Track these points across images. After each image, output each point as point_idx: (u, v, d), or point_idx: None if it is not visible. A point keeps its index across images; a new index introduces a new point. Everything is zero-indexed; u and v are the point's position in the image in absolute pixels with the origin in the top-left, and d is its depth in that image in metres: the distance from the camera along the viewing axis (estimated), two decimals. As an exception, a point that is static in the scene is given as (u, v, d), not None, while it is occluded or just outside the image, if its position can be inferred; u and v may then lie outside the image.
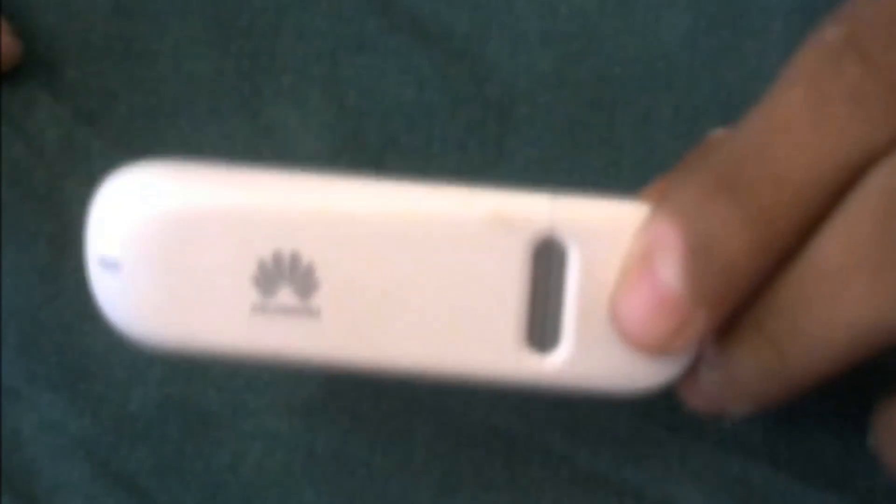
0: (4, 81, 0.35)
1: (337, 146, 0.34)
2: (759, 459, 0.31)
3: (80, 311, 0.33)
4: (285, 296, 0.22)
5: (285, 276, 0.22)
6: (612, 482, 0.31)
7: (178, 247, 0.22)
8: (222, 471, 0.32)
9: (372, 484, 0.32)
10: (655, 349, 0.21)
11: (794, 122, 0.20)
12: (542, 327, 0.22)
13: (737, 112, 0.33)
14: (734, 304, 0.21)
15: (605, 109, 0.33)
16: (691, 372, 0.23)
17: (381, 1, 0.35)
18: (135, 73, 0.35)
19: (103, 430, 0.32)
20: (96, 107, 0.34)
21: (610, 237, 0.22)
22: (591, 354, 0.22)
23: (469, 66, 0.34)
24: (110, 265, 0.23)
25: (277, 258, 0.22)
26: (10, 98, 0.34)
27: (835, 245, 0.20)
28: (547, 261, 0.22)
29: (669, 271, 0.21)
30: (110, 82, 0.35)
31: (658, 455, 0.31)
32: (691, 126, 0.33)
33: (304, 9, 0.35)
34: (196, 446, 0.32)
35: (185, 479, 0.32)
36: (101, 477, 0.32)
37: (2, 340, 0.33)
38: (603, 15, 0.34)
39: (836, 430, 0.30)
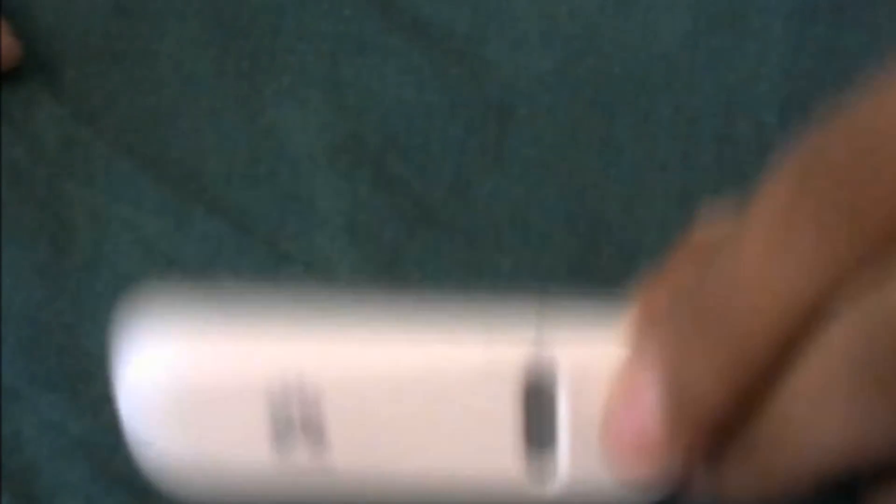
0: (4, 82, 0.34)
1: (337, 146, 0.34)
2: None
3: (81, 312, 0.33)
4: (300, 447, 0.24)
5: (297, 431, 0.24)
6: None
7: (199, 417, 0.24)
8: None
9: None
10: (640, 482, 0.23)
11: (751, 276, 0.21)
12: (539, 457, 0.24)
13: (737, 113, 0.33)
14: (714, 437, 0.22)
15: (604, 110, 0.33)
16: (684, 486, 0.24)
17: (381, 1, 0.35)
18: (135, 73, 0.35)
19: (103, 430, 0.32)
20: (96, 107, 0.34)
21: (594, 380, 0.23)
22: (586, 479, 0.24)
23: (469, 66, 0.34)
24: (138, 421, 0.25)
25: (287, 419, 0.24)
26: (10, 99, 0.34)
27: (808, 378, 0.21)
28: (538, 392, 0.24)
29: (648, 416, 0.22)
30: (110, 83, 0.35)
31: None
32: (691, 126, 0.33)
33: (304, 9, 0.35)
34: (196, 447, 0.32)
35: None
36: (101, 477, 0.32)
37: (2, 341, 0.33)
38: (603, 15, 0.34)
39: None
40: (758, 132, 0.33)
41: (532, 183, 0.33)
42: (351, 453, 0.24)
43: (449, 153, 0.33)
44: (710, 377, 0.22)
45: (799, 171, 0.22)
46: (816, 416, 0.21)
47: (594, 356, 0.24)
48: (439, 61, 0.34)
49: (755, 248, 0.21)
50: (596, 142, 0.33)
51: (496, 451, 0.24)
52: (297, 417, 0.24)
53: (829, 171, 0.21)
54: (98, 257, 0.33)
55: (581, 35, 0.34)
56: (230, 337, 0.24)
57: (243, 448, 0.24)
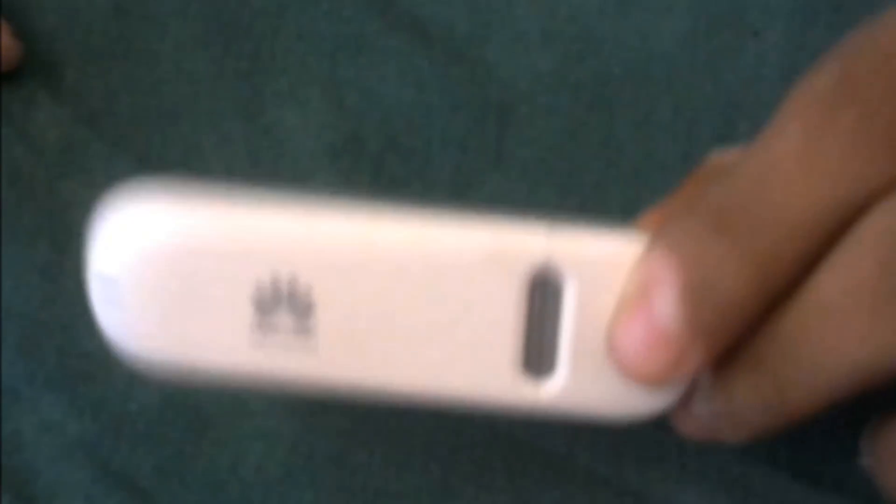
0: (4, 82, 0.35)
1: (337, 147, 0.34)
2: (759, 459, 0.31)
3: (81, 312, 0.33)
4: (283, 320, 0.22)
5: (283, 300, 0.22)
6: (612, 483, 0.31)
7: (178, 270, 0.23)
8: (223, 472, 0.32)
9: (372, 484, 0.32)
10: (651, 382, 0.22)
11: (790, 164, 0.20)
12: (538, 355, 0.23)
13: (737, 113, 0.33)
14: (731, 339, 0.21)
15: (604, 110, 0.33)
16: (685, 400, 0.23)
17: (381, 2, 0.35)
18: (135, 74, 0.35)
19: (104, 430, 0.32)
20: (96, 108, 0.34)
21: (606, 270, 0.22)
22: (586, 382, 0.23)
23: (469, 67, 0.34)
24: (109, 282, 0.23)
25: (275, 280, 0.22)
26: (10, 99, 0.34)
27: (835, 283, 0.20)
28: (543, 291, 0.23)
29: (667, 307, 0.21)
30: (110, 83, 0.35)
31: (658, 456, 0.31)
32: (691, 127, 0.33)
33: (304, 9, 0.35)
34: (196, 447, 0.32)
35: (186, 480, 0.32)
36: (101, 478, 0.32)
37: (2, 341, 0.33)
38: (603, 16, 0.34)
39: (836, 431, 0.30)
40: (758, 132, 0.33)
41: (532, 183, 0.33)
42: (337, 338, 0.23)
43: (449, 154, 0.33)
44: (736, 273, 0.21)
45: (840, 73, 0.21)
46: (839, 327, 0.20)
47: (607, 249, 0.22)
48: (439, 62, 0.34)
49: (790, 146, 0.21)
50: (596, 142, 0.33)
51: (492, 344, 0.23)
52: (284, 295, 0.22)
53: (872, 76, 0.20)
54: (98, 258, 0.33)
55: (581, 35, 0.34)
56: (220, 207, 0.23)
57: (222, 322, 0.23)
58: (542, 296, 0.23)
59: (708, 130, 0.33)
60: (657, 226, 0.22)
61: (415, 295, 0.22)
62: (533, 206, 0.33)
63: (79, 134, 0.34)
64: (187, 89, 0.34)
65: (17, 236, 0.33)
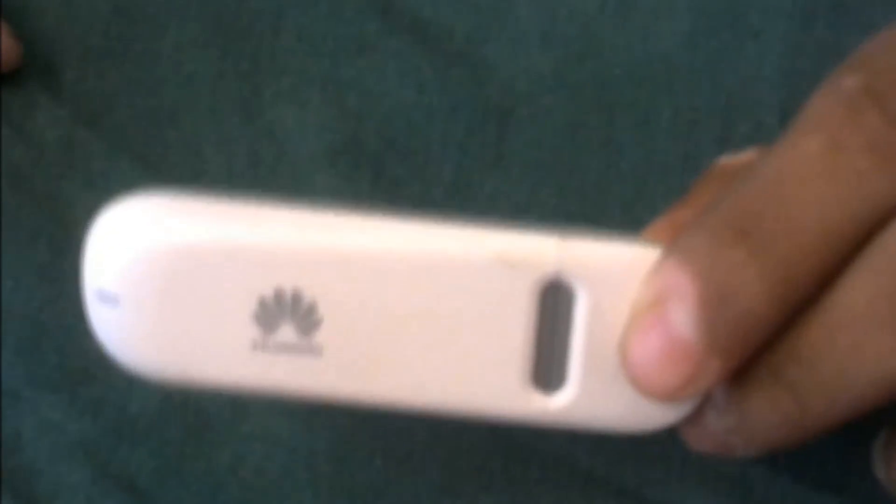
0: (4, 83, 0.34)
1: (336, 148, 0.34)
2: (759, 460, 0.31)
3: (81, 313, 0.33)
4: (286, 333, 0.22)
5: (287, 313, 0.22)
6: (611, 483, 0.31)
7: (179, 282, 0.22)
8: (222, 472, 0.32)
9: (372, 485, 0.32)
10: (665, 397, 0.21)
11: (812, 172, 0.20)
12: (547, 367, 0.22)
13: (737, 114, 0.33)
14: (749, 354, 0.21)
15: (604, 112, 0.33)
16: (697, 413, 0.22)
17: (381, 2, 0.35)
18: (135, 74, 0.35)
19: (103, 431, 0.32)
20: (96, 108, 0.34)
21: (619, 280, 0.22)
22: (596, 395, 0.22)
23: (469, 68, 0.34)
24: (108, 299, 0.22)
25: (279, 295, 0.22)
26: (10, 100, 0.34)
27: (856, 297, 0.20)
28: (554, 301, 0.22)
29: (683, 320, 0.20)
30: (110, 84, 0.35)
31: (658, 456, 0.31)
32: (691, 128, 0.33)
33: (304, 10, 0.35)
34: (196, 448, 0.32)
35: (186, 480, 0.32)
36: (101, 479, 0.32)
37: (2, 342, 0.33)
38: (603, 17, 0.34)
39: (837, 433, 0.30)
40: (758, 133, 0.33)
41: (532, 184, 0.33)
42: (342, 351, 0.22)
43: (449, 154, 0.33)
44: (755, 285, 0.20)
45: (865, 77, 0.20)
46: (861, 339, 0.20)
47: (620, 259, 0.22)
48: (439, 63, 0.34)
49: (812, 151, 0.20)
50: (596, 143, 0.33)
51: (501, 355, 0.22)
52: (288, 309, 0.22)
53: (886, 91, 0.20)
54: (98, 258, 0.33)
55: (581, 36, 0.34)
56: (221, 219, 0.22)
57: (225, 337, 0.22)
58: (553, 306, 0.22)
59: (708, 131, 0.33)
60: (667, 234, 0.22)
61: (423, 306, 0.22)
62: (533, 206, 0.33)
63: (78, 134, 0.34)
64: (187, 90, 0.34)
65: (17, 237, 0.33)
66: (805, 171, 0.20)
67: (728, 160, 0.24)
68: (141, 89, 0.34)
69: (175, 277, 0.22)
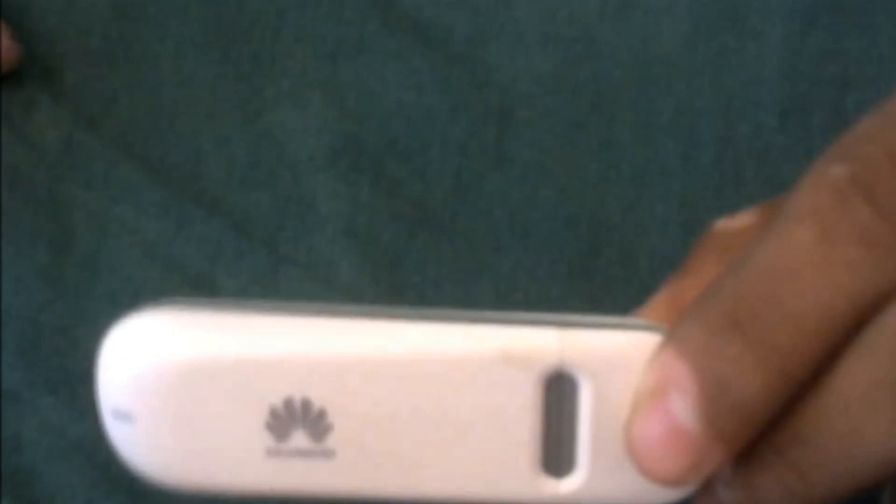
0: (4, 84, 0.34)
1: (336, 149, 0.34)
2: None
3: (81, 314, 0.33)
4: (299, 440, 0.23)
5: (298, 421, 0.23)
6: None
7: (191, 396, 0.23)
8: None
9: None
10: (671, 482, 0.21)
11: (803, 263, 0.20)
12: (557, 453, 0.23)
13: (736, 115, 0.33)
14: (751, 438, 0.21)
15: (604, 112, 0.33)
16: (706, 487, 0.23)
17: (381, 4, 0.35)
18: (135, 76, 0.35)
19: (103, 433, 0.32)
20: (96, 110, 0.34)
21: (620, 368, 0.22)
22: (605, 478, 0.23)
23: (469, 69, 0.34)
24: (123, 417, 0.23)
25: (289, 404, 0.23)
26: (10, 101, 0.34)
27: (853, 382, 0.20)
28: (558, 390, 0.23)
29: (684, 410, 0.21)
30: (110, 85, 0.35)
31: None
32: (691, 129, 0.33)
33: (304, 12, 0.35)
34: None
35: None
36: (101, 480, 0.32)
37: (2, 343, 0.33)
38: (603, 18, 0.34)
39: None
40: (758, 134, 0.33)
41: (532, 185, 0.33)
42: (354, 453, 0.23)
43: (449, 156, 0.33)
44: (753, 374, 0.20)
45: (853, 166, 0.21)
46: (861, 422, 0.20)
47: (618, 350, 0.22)
48: (439, 64, 0.34)
49: (804, 241, 0.20)
50: (596, 144, 0.33)
51: (510, 446, 0.23)
52: (298, 417, 0.23)
53: (873, 183, 0.20)
54: (98, 260, 0.33)
55: (581, 38, 0.34)
56: (230, 335, 0.23)
57: (239, 446, 0.23)
58: (558, 395, 0.23)
59: (707, 132, 0.33)
60: (667, 310, 0.23)
61: (430, 405, 0.23)
62: (533, 207, 0.33)
63: (79, 136, 0.34)
64: (187, 91, 0.34)
65: (17, 238, 0.33)
66: (798, 263, 0.20)
67: (724, 225, 0.24)
68: (141, 91, 0.34)
69: (187, 392, 0.23)
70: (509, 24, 0.34)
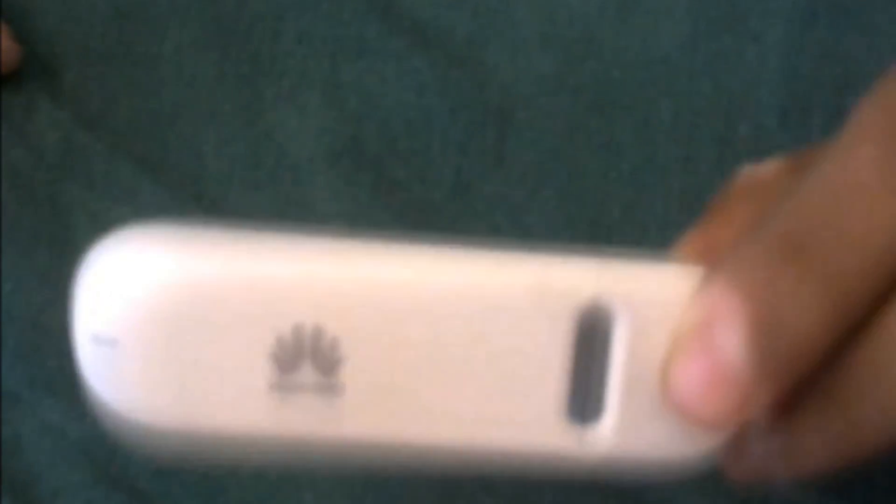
0: (4, 85, 0.35)
1: (336, 150, 0.34)
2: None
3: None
4: (306, 373, 0.20)
5: (306, 352, 0.20)
6: (611, 484, 0.31)
7: (186, 321, 0.20)
8: (222, 474, 0.32)
9: (372, 485, 0.32)
10: (712, 425, 0.20)
11: (867, 182, 0.19)
12: (584, 399, 0.21)
13: (737, 116, 0.33)
14: (801, 378, 0.19)
15: (604, 114, 0.33)
16: (737, 439, 0.21)
17: (381, 5, 0.35)
18: (135, 77, 0.35)
19: (103, 434, 0.32)
20: (96, 111, 0.34)
21: (661, 303, 0.20)
22: (633, 426, 0.21)
23: (469, 70, 0.34)
24: (105, 343, 0.20)
25: (298, 332, 0.20)
26: (10, 102, 0.34)
27: None
28: (591, 329, 0.21)
29: (732, 345, 0.19)
30: (110, 86, 0.35)
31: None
32: (691, 130, 0.33)
33: (304, 13, 0.35)
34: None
35: (185, 481, 0.32)
36: (101, 481, 0.32)
37: (2, 344, 0.33)
38: (603, 19, 0.34)
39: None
40: (758, 135, 0.33)
41: (532, 186, 0.33)
42: (367, 393, 0.20)
43: (449, 157, 0.34)
44: (810, 307, 0.19)
45: None
46: None
47: (661, 283, 0.20)
48: (439, 65, 0.34)
49: (867, 161, 0.19)
50: (596, 145, 0.33)
51: (535, 389, 0.20)
52: (307, 349, 0.20)
53: None
54: (98, 260, 0.33)
55: (581, 39, 0.34)
56: (233, 252, 0.20)
57: (238, 382, 0.20)
58: (591, 332, 0.21)
59: (708, 133, 0.33)
60: (701, 252, 0.21)
61: (452, 340, 0.20)
62: (533, 208, 0.33)
63: (79, 137, 0.34)
64: (187, 92, 0.34)
65: (17, 239, 0.33)
66: (859, 183, 0.19)
67: (752, 171, 0.23)
68: (141, 91, 0.34)
69: (182, 316, 0.20)
70: (509, 25, 0.34)
